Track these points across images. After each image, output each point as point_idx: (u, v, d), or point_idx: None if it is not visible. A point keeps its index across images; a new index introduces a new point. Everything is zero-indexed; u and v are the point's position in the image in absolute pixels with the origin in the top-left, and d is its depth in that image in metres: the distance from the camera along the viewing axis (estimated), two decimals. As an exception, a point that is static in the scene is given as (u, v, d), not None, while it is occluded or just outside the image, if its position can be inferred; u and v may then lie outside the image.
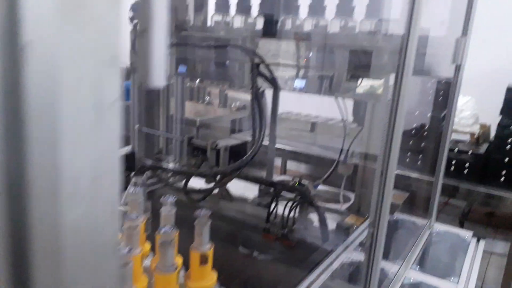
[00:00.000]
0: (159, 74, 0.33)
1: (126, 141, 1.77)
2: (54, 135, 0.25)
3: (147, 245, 1.08)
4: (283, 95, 1.65)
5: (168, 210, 1.07)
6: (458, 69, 1.57)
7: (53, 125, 0.24)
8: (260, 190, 1.78)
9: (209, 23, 1.68)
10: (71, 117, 0.25)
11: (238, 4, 1.62)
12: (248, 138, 2.17)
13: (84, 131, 0.26)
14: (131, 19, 1.60)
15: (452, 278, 1.38)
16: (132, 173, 1.48)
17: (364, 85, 1.42)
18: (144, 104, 1.84)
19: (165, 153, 2.04)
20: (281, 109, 2.86)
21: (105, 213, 0.30)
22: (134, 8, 1.60)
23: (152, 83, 0.33)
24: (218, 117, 2.52)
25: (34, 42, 0.23)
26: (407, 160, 2.18)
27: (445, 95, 1.71)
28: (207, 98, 3.75)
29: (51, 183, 0.25)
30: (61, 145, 0.25)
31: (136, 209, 1.14)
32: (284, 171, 2.66)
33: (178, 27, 1.68)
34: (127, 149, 1.88)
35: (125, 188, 1.49)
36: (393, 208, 1.68)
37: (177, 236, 0.94)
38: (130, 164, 1.78)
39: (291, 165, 2.69)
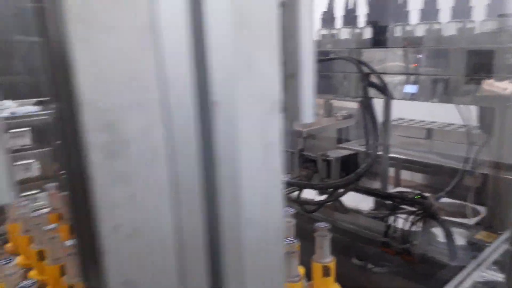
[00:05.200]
0: (308, 113, 0.37)
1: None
2: (234, 172, 0.31)
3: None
4: (392, 103, 1.62)
5: (288, 222, 1.14)
6: None
7: (234, 164, 0.31)
8: (375, 202, 1.73)
9: (316, 38, 1.73)
10: (246, 156, 0.31)
11: (344, 17, 1.63)
12: (357, 148, 2.14)
13: (255, 167, 0.32)
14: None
15: None
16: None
17: (488, 89, 1.30)
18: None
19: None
20: (391, 116, 2.73)
21: (274, 223, 0.38)
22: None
23: (302, 120, 0.38)
24: (324, 127, 2.52)
25: (219, 102, 0.30)
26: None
27: None
28: (312, 108, 3.75)
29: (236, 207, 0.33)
30: (240, 177, 0.32)
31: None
32: (397, 181, 2.52)
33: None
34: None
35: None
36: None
37: (298, 247, 0.98)
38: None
39: (405, 174, 2.53)
